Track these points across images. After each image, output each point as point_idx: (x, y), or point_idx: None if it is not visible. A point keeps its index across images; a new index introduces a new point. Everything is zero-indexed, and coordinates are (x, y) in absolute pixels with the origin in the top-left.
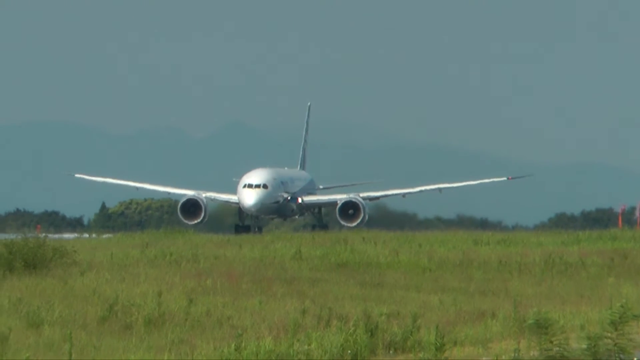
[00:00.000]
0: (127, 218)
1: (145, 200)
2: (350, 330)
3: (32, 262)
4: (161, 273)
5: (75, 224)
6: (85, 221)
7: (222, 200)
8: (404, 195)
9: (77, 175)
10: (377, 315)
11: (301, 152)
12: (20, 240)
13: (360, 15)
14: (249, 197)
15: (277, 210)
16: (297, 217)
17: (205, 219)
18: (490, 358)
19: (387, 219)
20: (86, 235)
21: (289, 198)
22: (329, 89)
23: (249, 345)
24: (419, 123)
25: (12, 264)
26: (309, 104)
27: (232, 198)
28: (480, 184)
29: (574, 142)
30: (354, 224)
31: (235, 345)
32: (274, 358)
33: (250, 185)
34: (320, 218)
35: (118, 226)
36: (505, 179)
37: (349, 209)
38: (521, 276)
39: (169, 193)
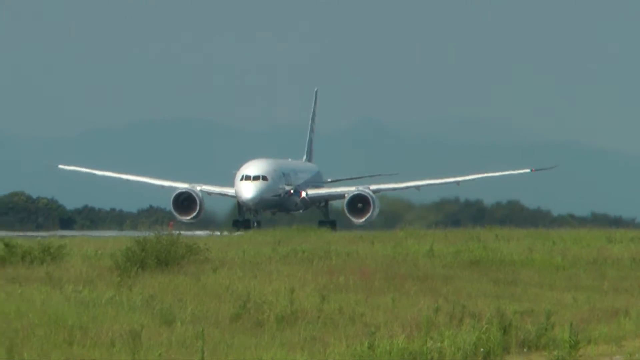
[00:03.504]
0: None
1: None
2: (484, 328)
3: (165, 259)
4: (293, 270)
5: (208, 221)
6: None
7: (218, 194)
8: (418, 187)
9: (60, 167)
10: (510, 313)
11: (307, 142)
12: (153, 237)
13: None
14: (246, 190)
15: (279, 204)
16: (301, 211)
17: (201, 214)
18: (623, 356)
19: (520, 216)
20: (218, 232)
21: (291, 191)
22: (450, 85)
23: (382, 343)
24: (553, 120)
25: (145, 261)
26: (315, 89)
27: (229, 191)
28: (504, 174)
29: None
30: (363, 219)
31: (368, 343)
32: (406, 356)
33: (248, 177)
34: (326, 213)
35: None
36: (528, 170)
37: (358, 203)
38: None
39: (162, 186)
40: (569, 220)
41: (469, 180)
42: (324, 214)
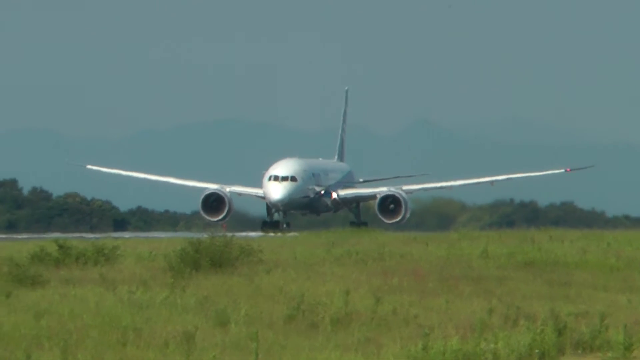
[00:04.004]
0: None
1: None
2: (538, 330)
3: (219, 260)
4: (347, 272)
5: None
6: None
7: (247, 194)
8: (450, 187)
9: (88, 167)
10: (564, 314)
11: (339, 142)
12: (207, 239)
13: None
14: (275, 191)
15: (308, 205)
16: (332, 212)
17: (230, 215)
18: None
19: (574, 217)
20: (272, 234)
21: (321, 192)
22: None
23: (436, 344)
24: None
25: (199, 263)
26: (346, 88)
27: (259, 192)
28: (540, 175)
29: None
30: (394, 220)
31: (422, 344)
32: (460, 357)
33: (276, 178)
34: (358, 214)
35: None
36: (563, 170)
37: (390, 204)
38: None
39: (192, 187)
40: (623, 222)
41: (503, 180)
42: (355, 215)
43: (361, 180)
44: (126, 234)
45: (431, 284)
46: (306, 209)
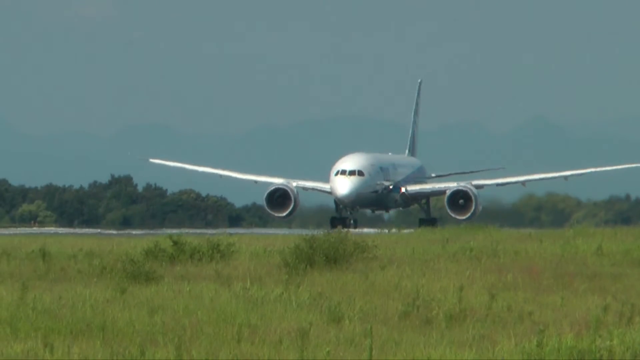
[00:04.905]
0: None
1: None
2: None
3: (333, 256)
4: (461, 268)
5: (375, 219)
6: (386, 217)
7: (313, 189)
8: (523, 183)
9: (151, 160)
10: None
11: (410, 136)
12: (322, 235)
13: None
14: (342, 186)
15: (376, 201)
16: (401, 208)
17: (295, 211)
18: None
19: None
20: (386, 230)
21: (390, 187)
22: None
23: (551, 341)
24: None
25: (313, 259)
26: (419, 80)
27: (325, 187)
28: (614, 170)
29: None
30: (465, 216)
31: (537, 341)
32: (575, 354)
33: (343, 172)
34: (428, 210)
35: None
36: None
37: (459, 199)
38: None
39: (255, 181)
40: None
41: (578, 175)
42: (425, 211)
43: (433, 175)
44: (241, 230)
45: (546, 280)
46: (374, 204)
